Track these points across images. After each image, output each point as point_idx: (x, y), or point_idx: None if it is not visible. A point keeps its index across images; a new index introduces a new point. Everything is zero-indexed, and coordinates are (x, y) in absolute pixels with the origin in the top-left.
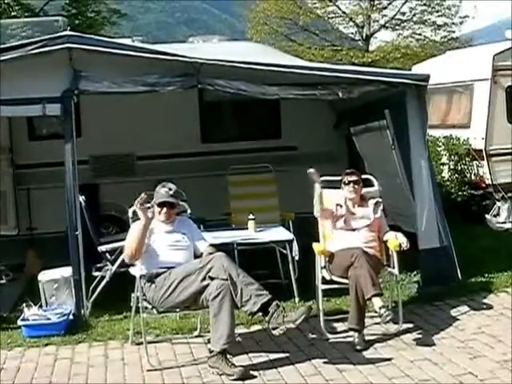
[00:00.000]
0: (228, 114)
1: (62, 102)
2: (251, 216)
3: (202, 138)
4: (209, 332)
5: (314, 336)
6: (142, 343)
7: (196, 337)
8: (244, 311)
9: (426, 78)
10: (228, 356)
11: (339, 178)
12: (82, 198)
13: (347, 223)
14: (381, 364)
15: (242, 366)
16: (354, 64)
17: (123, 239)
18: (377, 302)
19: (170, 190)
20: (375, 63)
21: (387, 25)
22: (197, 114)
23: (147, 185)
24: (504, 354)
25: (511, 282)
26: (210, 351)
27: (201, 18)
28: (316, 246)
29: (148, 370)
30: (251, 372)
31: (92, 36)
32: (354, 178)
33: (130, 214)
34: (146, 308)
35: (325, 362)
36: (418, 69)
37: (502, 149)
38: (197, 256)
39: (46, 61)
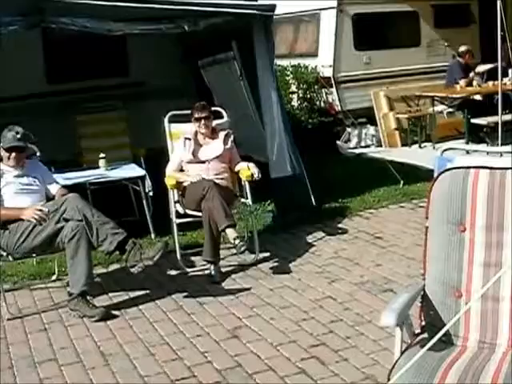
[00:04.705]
0: (74, 52)
1: None
2: (102, 155)
3: (47, 78)
4: (67, 275)
5: (172, 271)
6: None
7: (54, 281)
8: (101, 251)
9: (272, 8)
10: (88, 297)
11: (189, 111)
12: None
13: (196, 156)
14: (241, 294)
15: (103, 307)
16: None
17: None
18: (231, 234)
19: (18, 133)
20: None
21: None
22: (41, 53)
23: None
24: (361, 277)
25: (364, 206)
26: (70, 294)
27: None
28: (168, 180)
29: (8, 319)
30: (113, 312)
31: None
32: (204, 113)
33: None
34: (1, 255)
35: (185, 296)
36: None
37: (350, 76)
38: (49, 199)
39: None
